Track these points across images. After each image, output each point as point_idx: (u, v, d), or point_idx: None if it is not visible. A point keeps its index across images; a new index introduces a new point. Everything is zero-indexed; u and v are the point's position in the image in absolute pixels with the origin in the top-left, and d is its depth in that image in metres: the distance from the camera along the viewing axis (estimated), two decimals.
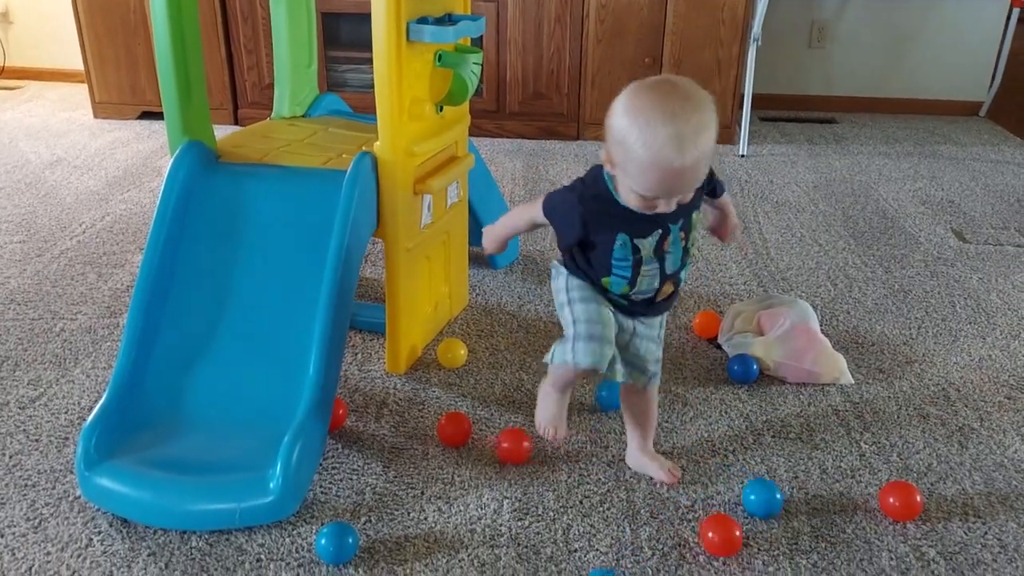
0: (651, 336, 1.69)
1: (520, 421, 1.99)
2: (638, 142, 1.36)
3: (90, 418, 1.71)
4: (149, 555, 1.59)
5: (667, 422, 2.01)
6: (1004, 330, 2.48)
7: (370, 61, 1.99)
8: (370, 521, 1.69)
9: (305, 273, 1.91)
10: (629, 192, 1.45)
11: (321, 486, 1.78)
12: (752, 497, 1.70)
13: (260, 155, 2.12)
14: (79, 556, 1.59)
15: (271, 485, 1.63)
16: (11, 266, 2.78)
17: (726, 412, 2.06)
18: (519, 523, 1.69)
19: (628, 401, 1.80)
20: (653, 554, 1.61)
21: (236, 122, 4.44)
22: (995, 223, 3.32)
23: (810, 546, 1.63)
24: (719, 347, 2.35)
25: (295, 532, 1.65)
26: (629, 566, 1.58)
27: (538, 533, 1.66)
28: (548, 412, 1.70)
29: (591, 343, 1.55)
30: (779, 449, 1.93)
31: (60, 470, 1.82)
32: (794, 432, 1.99)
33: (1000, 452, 1.93)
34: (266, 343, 1.88)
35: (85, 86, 4.61)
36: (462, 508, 1.73)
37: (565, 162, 3.99)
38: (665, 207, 1.45)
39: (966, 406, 2.10)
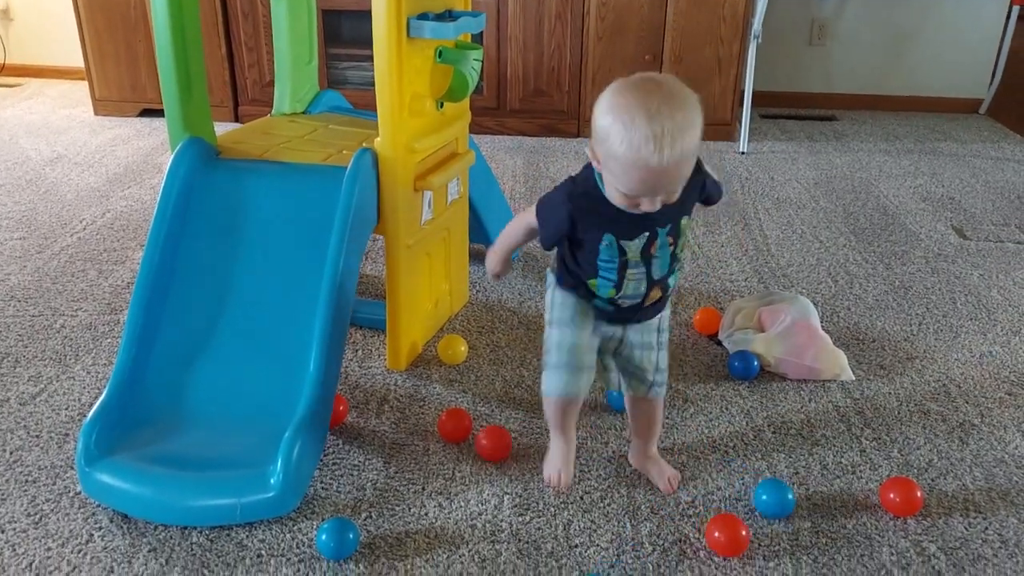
0: (647, 343, 1.67)
1: (520, 417, 1.99)
2: (618, 140, 1.34)
3: (91, 414, 1.72)
4: (150, 551, 1.59)
5: (668, 419, 2.01)
6: (1005, 326, 2.48)
7: (370, 58, 1.99)
8: (371, 517, 1.69)
9: (305, 269, 1.91)
10: (613, 190, 1.44)
11: (322, 482, 1.78)
12: (764, 497, 1.69)
13: (260, 151, 2.12)
14: (80, 552, 1.59)
15: (272, 481, 1.63)
16: (11, 263, 2.78)
17: (727, 408, 2.06)
18: (520, 519, 1.69)
19: (631, 406, 1.78)
20: (654, 550, 1.61)
21: (236, 119, 4.44)
22: (995, 220, 3.32)
23: (810, 542, 1.63)
24: (720, 343, 2.34)
25: (296, 528, 1.65)
26: (630, 562, 1.58)
27: (539, 529, 1.66)
28: (551, 460, 1.74)
29: (561, 372, 1.61)
30: (780, 445, 1.93)
31: (61, 466, 1.82)
32: (795, 428, 1.99)
33: (1001, 448, 1.93)
34: (266, 339, 1.88)
35: (85, 83, 4.61)
36: (463, 504, 1.73)
37: (566, 159, 3.99)
38: (649, 206, 1.42)
39: (967, 402, 2.10)
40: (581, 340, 1.61)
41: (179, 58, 1.98)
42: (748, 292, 2.66)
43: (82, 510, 1.69)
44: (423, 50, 2.04)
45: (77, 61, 4.72)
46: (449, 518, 1.69)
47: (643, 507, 1.73)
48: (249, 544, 1.61)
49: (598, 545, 1.62)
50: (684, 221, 1.55)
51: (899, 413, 2.05)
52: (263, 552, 1.59)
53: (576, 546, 1.62)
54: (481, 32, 3.99)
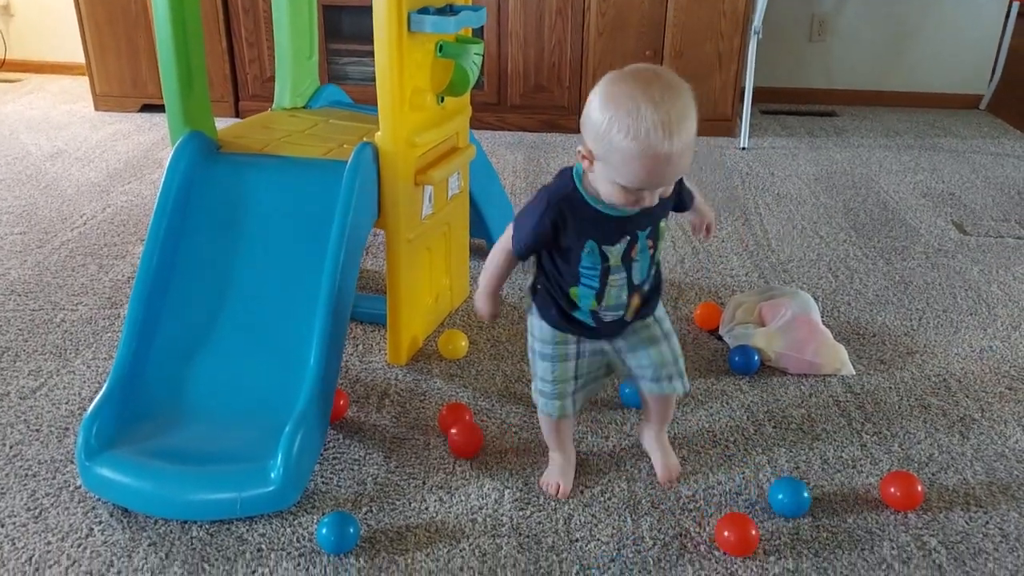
0: (648, 338, 1.64)
1: (521, 412, 1.99)
2: (624, 131, 1.31)
3: (91, 408, 1.72)
4: (150, 545, 1.59)
5: None
6: (1005, 321, 2.47)
7: (371, 54, 1.98)
8: (371, 511, 1.69)
9: (306, 264, 1.91)
10: (612, 187, 1.39)
11: (322, 476, 1.78)
12: (780, 496, 1.68)
13: (261, 146, 2.12)
14: (80, 546, 1.59)
15: (272, 475, 1.63)
16: (12, 257, 2.78)
17: (727, 403, 2.06)
18: (520, 513, 1.69)
19: (645, 396, 1.74)
20: (654, 544, 1.61)
21: (237, 115, 4.44)
22: (995, 215, 3.32)
23: (811, 536, 1.63)
24: (720, 338, 2.34)
25: (296, 522, 1.65)
26: (630, 556, 1.58)
27: (539, 523, 1.66)
28: (550, 472, 1.77)
29: (549, 399, 1.67)
30: (780, 440, 1.93)
31: (61, 460, 1.82)
32: (795, 423, 1.99)
33: (1001, 442, 1.93)
34: (267, 334, 1.88)
35: (86, 79, 4.61)
36: (463, 498, 1.73)
37: (566, 155, 3.99)
38: (650, 200, 1.40)
39: (967, 396, 2.10)
40: (566, 372, 1.65)
41: (180, 53, 1.98)
42: (749, 287, 2.65)
43: (82, 504, 1.69)
44: (424, 44, 2.04)
45: (78, 56, 4.73)
46: (450, 512, 1.69)
47: (644, 501, 1.73)
48: (249, 538, 1.61)
49: (598, 539, 1.62)
50: (663, 224, 1.54)
51: (899, 407, 2.05)
52: (263, 546, 1.59)
53: (577, 540, 1.62)
54: (482, 27, 3.99)
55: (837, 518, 1.68)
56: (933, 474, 1.82)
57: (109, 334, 2.32)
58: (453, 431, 1.85)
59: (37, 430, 1.92)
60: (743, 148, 4.13)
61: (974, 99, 4.98)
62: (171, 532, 1.62)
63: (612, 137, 1.33)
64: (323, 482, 1.76)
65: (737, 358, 2.17)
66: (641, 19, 4.17)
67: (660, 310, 1.67)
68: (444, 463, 1.83)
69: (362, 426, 1.95)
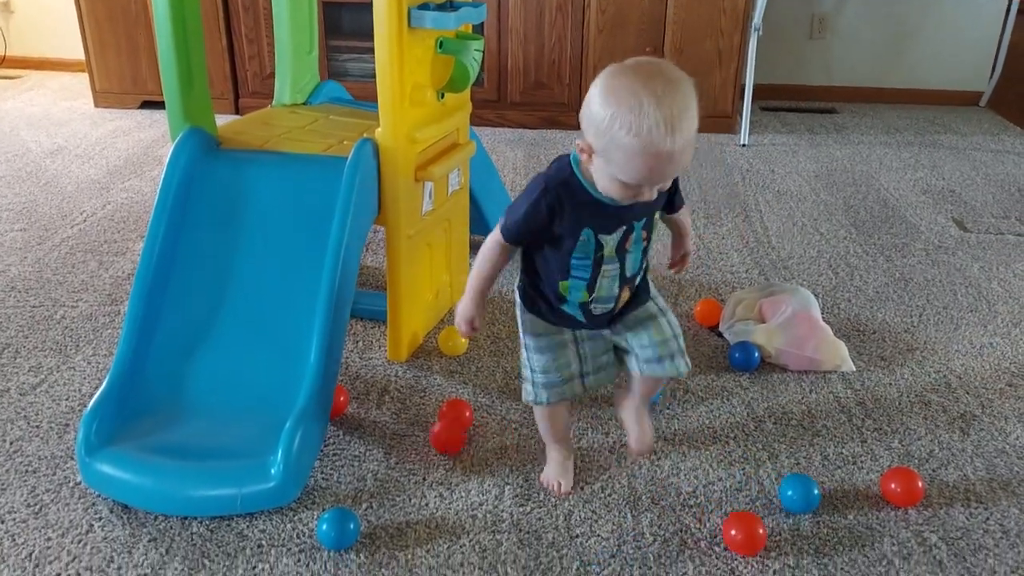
0: (645, 315, 1.61)
1: (521, 408, 1.99)
2: (626, 127, 1.28)
3: (91, 404, 1.71)
4: (150, 541, 1.59)
5: (668, 409, 2.01)
6: (1005, 318, 2.47)
7: (371, 50, 1.98)
8: (371, 507, 1.69)
9: (306, 260, 1.91)
10: (611, 181, 1.37)
11: (322, 472, 1.78)
12: (790, 493, 1.68)
13: (261, 142, 2.12)
14: (80, 542, 1.59)
15: (272, 471, 1.63)
16: (12, 254, 2.78)
17: (727, 399, 2.06)
18: (520, 509, 1.69)
19: (640, 375, 1.66)
20: (655, 540, 1.61)
21: (237, 112, 4.44)
22: (996, 212, 3.32)
23: (812, 532, 1.63)
24: (720, 335, 2.34)
25: (296, 518, 1.65)
26: (631, 552, 1.58)
27: (540, 519, 1.66)
28: (549, 469, 1.77)
29: (549, 389, 1.64)
30: (781, 436, 1.93)
31: (61, 456, 1.82)
32: (795, 419, 1.99)
33: (1002, 439, 1.93)
34: (267, 330, 1.88)
35: (86, 75, 4.61)
36: (463, 494, 1.73)
37: (566, 152, 3.98)
38: (648, 195, 1.38)
39: (967, 393, 2.10)
40: (565, 358, 1.63)
41: (180, 49, 1.98)
42: (749, 284, 2.65)
43: (82, 500, 1.69)
44: (424, 40, 2.04)
45: (78, 53, 4.73)
46: (450, 508, 1.69)
47: (644, 497, 1.72)
48: (250, 534, 1.61)
49: (599, 535, 1.62)
50: (657, 215, 1.54)
51: (900, 404, 2.05)
52: (264, 542, 1.59)
53: (577, 536, 1.62)
54: (482, 23, 3.99)
55: (838, 514, 1.68)
56: (933, 470, 1.82)
57: (109, 330, 2.32)
58: (435, 428, 1.85)
59: (37, 426, 1.92)
60: (743, 145, 4.13)
61: (974, 96, 4.98)
62: (171, 528, 1.62)
63: (614, 133, 1.30)
64: (323, 478, 1.76)
65: (737, 355, 2.17)
66: (641, 16, 4.16)
67: (652, 288, 1.64)
68: (444, 459, 1.83)
69: (362, 422, 1.95)
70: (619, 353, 1.68)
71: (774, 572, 1.54)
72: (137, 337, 1.84)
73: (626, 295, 1.56)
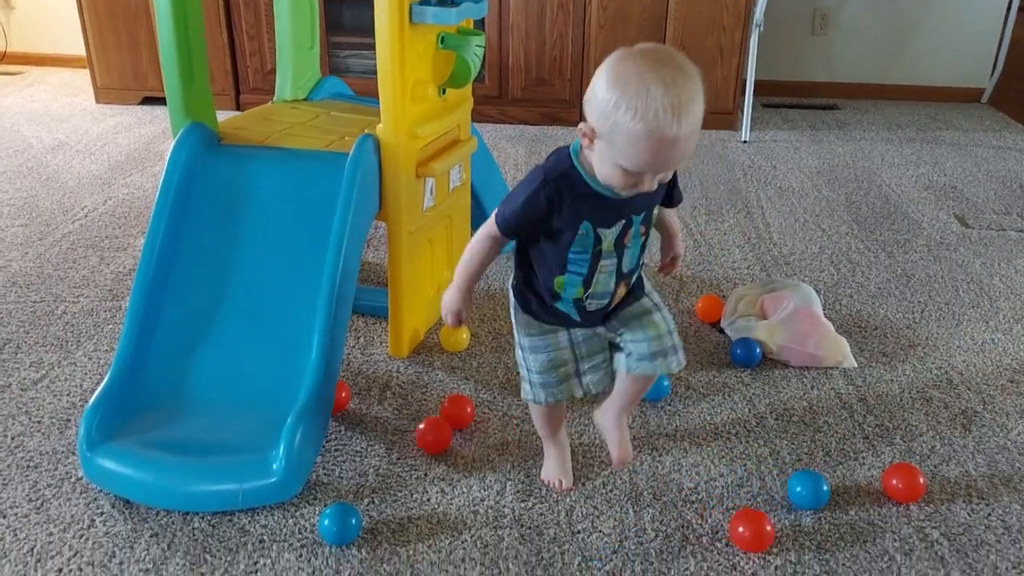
0: (640, 310, 1.57)
1: (522, 404, 1.98)
2: (632, 112, 1.26)
3: (92, 400, 1.72)
4: (151, 536, 1.59)
5: (670, 405, 2.01)
6: (1007, 314, 2.47)
7: (372, 47, 1.98)
8: (373, 502, 1.69)
9: (307, 256, 1.91)
10: (612, 168, 1.34)
11: (324, 468, 1.78)
12: (799, 489, 1.68)
13: (262, 137, 2.12)
14: (81, 537, 1.59)
15: (274, 466, 1.63)
16: (13, 249, 2.78)
17: (729, 395, 2.06)
18: (522, 504, 1.69)
19: (630, 374, 1.61)
20: (656, 536, 1.61)
21: (238, 108, 4.43)
22: (997, 208, 3.32)
23: (813, 528, 1.63)
24: (722, 331, 2.34)
25: (298, 513, 1.65)
26: (632, 548, 1.58)
27: (541, 515, 1.66)
28: (549, 467, 1.76)
29: (546, 389, 1.62)
30: (782, 432, 1.93)
31: (62, 451, 1.82)
32: (797, 415, 1.99)
33: (1003, 435, 1.93)
34: (269, 326, 1.88)
35: (87, 71, 4.60)
36: (465, 490, 1.73)
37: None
38: (649, 185, 1.35)
39: (969, 389, 2.10)
40: (561, 358, 1.61)
41: (181, 44, 1.97)
42: (750, 280, 2.65)
43: (84, 495, 1.69)
44: (425, 36, 2.03)
45: (78, 49, 4.72)
46: (451, 504, 1.69)
47: (645, 493, 1.72)
48: (251, 529, 1.61)
49: (600, 531, 1.62)
50: (656, 210, 1.51)
51: (901, 400, 2.05)
52: (265, 537, 1.59)
53: (579, 532, 1.62)
54: (483, 19, 3.99)
55: (839, 510, 1.68)
56: (935, 466, 1.82)
57: (110, 326, 2.32)
58: (421, 427, 1.84)
59: (39, 421, 1.92)
60: (745, 141, 4.13)
61: (976, 92, 4.97)
62: (173, 523, 1.62)
63: (619, 117, 1.28)
64: (325, 474, 1.76)
65: (739, 351, 2.17)
66: (643, 12, 4.16)
67: (646, 284, 1.61)
68: (446, 455, 1.83)
69: (364, 418, 1.95)
70: (612, 352, 1.63)
71: (776, 568, 1.54)
72: (138, 333, 1.84)
73: (622, 291, 1.54)
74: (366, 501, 1.69)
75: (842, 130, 4.38)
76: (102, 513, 1.64)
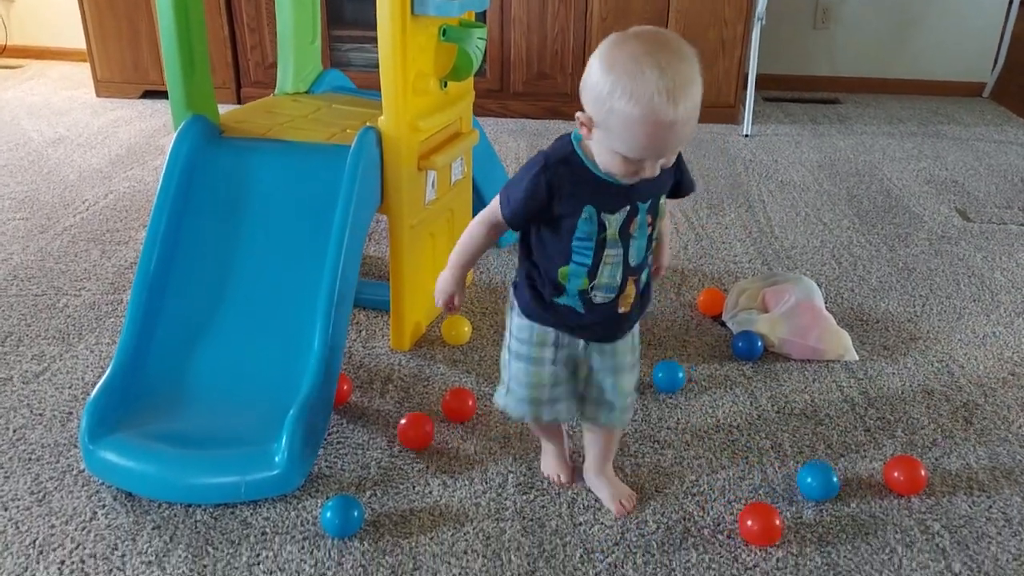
0: (617, 366, 1.54)
1: None
2: (627, 96, 1.22)
3: (94, 392, 1.71)
4: (153, 528, 1.59)
5: (671, 399, 2.01)
6: (1008, 308, 2.47)
7: (373, 40, 1.97)
8: (375, 495, 1.69)
9: (309, 248, 1.91)
10: (611, 156, 1.31)
11: (326, 460, 1.78)
12: (809, 480, 1.68)
13: (264, 130, 2.11)
14: (83, 529, 1.59)
15: (276, 459, 1.63)
16: (14, 242, 2.78)
17: (731, 389, 2.06)
18: (524, 497, 1.69)
19: (585, 429, 1.69)
20: (658, 528, 1.61)
21: (239, 101, 4.43)
22: (999, 202, 3.32)
23: (815, 520, 1.63)
24: (723, 324, 2.34)
25: (300, 505, 1.65)
26: (634, 540, 1.58)
27: (543, 507, 1.66)
28: (546, 461, 1.74)
29: (520, 404, 1.56)
30: (784, 425, 1.93)
31: (64, 444, 1.82)
32: (799, 408, 1.99)
33: (1004, 427, 1.93)
34: (271, 318, 1.88)
35: (87, 65, 4.60)
36: (467, 482, 1.73)
37: None
38: (650, 171, 1.31)
39: (970, 382, 2.10)
40: (540, 377, 1.53)
41: (182, 36, 1.97)
42: (752, 273, 2.65)
43: (86, 488, 1.69)
44: (427, 28, 2.03)
45: (79, 43, 4.72)
46: (453, 496, 1.69)
47: (647, 485, 1.72)
48: (253, 522, 1.61)
49: (602, 523, 1.62)
50: (663, 201, 1.46)
51: (903, 393, 2.05)
52: (267, 530, 1.59)
53: (580, 524, 1.62)
54: (484, 12, 3.98)
55: (840, 503, 1.68)
56: (936, 459, 1.82)
57: (112, 319, 2.32)
58: (403, 422, 1.84)
59: (40, 414, 1.92)
60: (746, 135, 4.13)
61: (977, 87, 4.98)
62: (175, 516, 1.62)
63: (613, 102, 1.24)
64: (327, 466, 1.76)
65: (740, 344, 2.17)
66: (644, 6, 4.16)
67: (637, 335, 1.58)
68: (448, 448, 1.83)
69: (366, 411, 1.95)
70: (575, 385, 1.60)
71: (777, 560, 1.54)
72: (140, 325, 1.84)
73: (631, 291, 1.48)
74: (368, 493, 1.69)
75: (843, 124, 4.38)
76: (104, 506, 1.64)
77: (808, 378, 2.10)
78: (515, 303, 1.54)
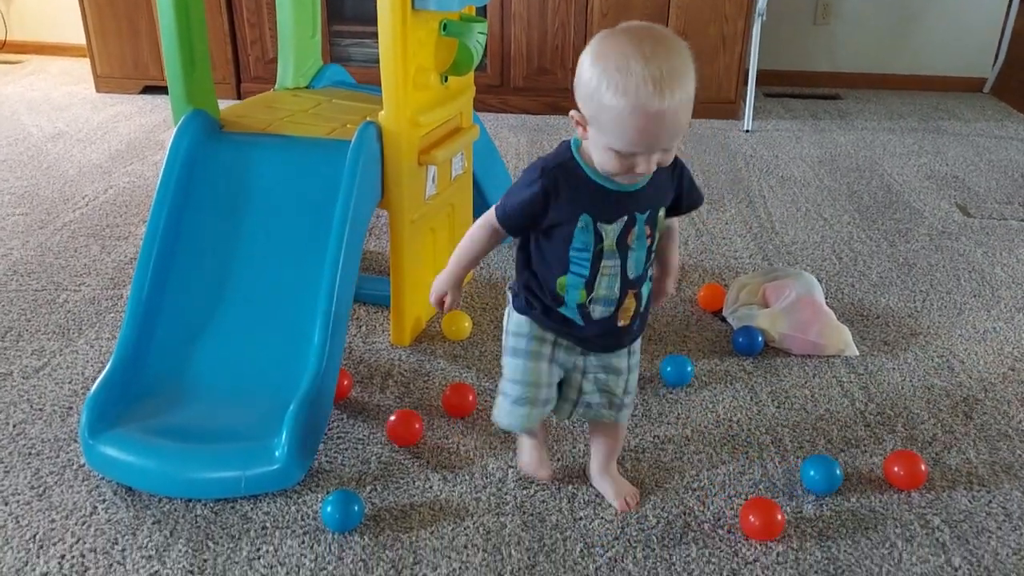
0: (616, 367, 1.54)
1: None
2: (613, 88, 1.22)
3: (94, 387, 1.72)
4: (154, 523, 1.59)
5: (672, 394, 2.01)
6: (1008, 303, 2.47)
7: (374, 35, 1.97)
8: (375, 490, 1.69)
9: (309, 243, 1.90)
10: (605, 153, 1.30)
11: (326, 455, 1.78)
12: (812, 473, 1.68)
13: (264, 125, 2.11)
14: (84, 523, 1.59)
15: (276, 453, 1.63)
16: (14, 238, 2.78)
17: (731, 384, 2.06)
18: (524, 491, 1.69)
19: (591, 428, 1.69)
20: (658, 522, 1.62)
21: (239, 96, 4.43)
22: (999, 198, 3.31)
23: (815, 515, 1.63)
24: (724, 320, 2.34)
25: (300, 500, 1.65)
26: (634, 534, 1.58)
27: (543, 501, 1.66)
28: (525, 459, 1.69)
29: (515, 407, 1.52)
30: (784, 420, 1.93)
31: (64, 439, 1.82)
32: (799, 403, 1.99)
33: (1004, 422, 1.93)
34: (271, 313, 1.88)
35: (87, 60, 4.60)
36: (467, 477, 1.73)
37: (569, 137, 3.97)
38: (645, 167, 1.30)
39: (970, 378, 2.10)
40: (538, 374, 1.51)
41: (182, 31, 1.97)
42: (752, 269, 2.65)
43: (86, 482, 1.69)
44: (427, 22, 2.03)
45: (79, 38, 4.71)
46: (454, 491, 1.69)
47: (647, 480, 1.73)
48: (254, 516, 1.61)
49: (602, 518, 1.62)
50: (662, 213, 1.45)
51: (903, 388, 2.05)
52: (268, 524, 1.59)
53: (581, 518, 1.62)
54: (485, 7, 3.98)
55: (840, 497, 1.68)
56: (936, 454, 1.82)
57: (112, 314, 2.32)
58: (392, 418, 1.83)
59: (40, 409, 1.92)
60: (747, 131, 4.12)
61: (978, 82, 4.97)
62: (175, 510, 1.62)
63: (601, 96, 1.25)
64: (327, 461, 1.76)
65: (741, 339, 2.17)
66: (645, 1, 4.15)
67: (638, 342, 1.57)
68: (448, 443, 1.83)
69: (366, 406, 1.95)
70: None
71: (778, 555, 1.54)
72: (140, 320, 1.84)
73: (631, 304, 1.47)
74: (368, 488, 1.69)
75: (844, 119, 4.38)
76: (104, 500, 1.64)
77: (808, 373, 2.10)
78: (514, 304, 1.53)
